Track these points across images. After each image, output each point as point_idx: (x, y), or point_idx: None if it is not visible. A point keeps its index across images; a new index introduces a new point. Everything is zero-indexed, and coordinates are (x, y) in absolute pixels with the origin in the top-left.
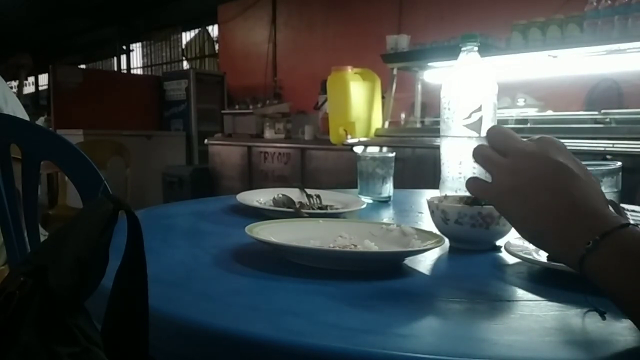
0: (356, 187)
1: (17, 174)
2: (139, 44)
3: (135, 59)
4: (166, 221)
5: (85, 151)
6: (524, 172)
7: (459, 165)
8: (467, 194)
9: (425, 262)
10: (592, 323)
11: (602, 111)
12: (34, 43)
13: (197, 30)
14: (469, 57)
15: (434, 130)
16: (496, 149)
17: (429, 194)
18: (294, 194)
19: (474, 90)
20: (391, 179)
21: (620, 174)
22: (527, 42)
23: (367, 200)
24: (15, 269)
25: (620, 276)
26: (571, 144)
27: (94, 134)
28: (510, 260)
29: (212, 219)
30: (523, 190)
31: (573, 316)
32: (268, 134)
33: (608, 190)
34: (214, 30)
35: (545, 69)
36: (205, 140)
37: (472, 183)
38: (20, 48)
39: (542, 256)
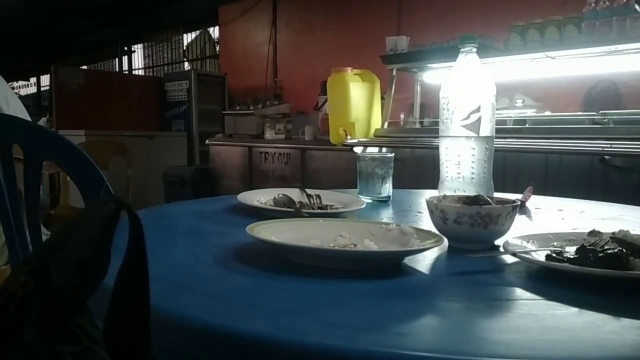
0: (356, 187)
1: (19, 174)
2: (140, 45)
3: (137, 60)
4: (167, 221)
5: (87, 151)
6: None
7: (457, 166)
8: (466, 193)
9: (424, 262)
10: (590, 322)
11: (600, 112)
12: (37, 44)
13: (198, 32)
14: (468, 58)
15: (433, 130)
16: None
17: (428, 193)
18: (294, 194)
19: (473, 91)
20: (390, 179)
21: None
22: (525, 43)
23: (366, 200)
24: (17, 269)
25: None
26: (569, 144)
27: (96, 135)
28: (509, 259)
29: (213, 218)
30: None
31: (571, 315)
32: (268, 134)
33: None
34: (215, 31)
35: (544, 69)
36: (207, 141)
37: None
38: (23, 49)
39: (541, 256)
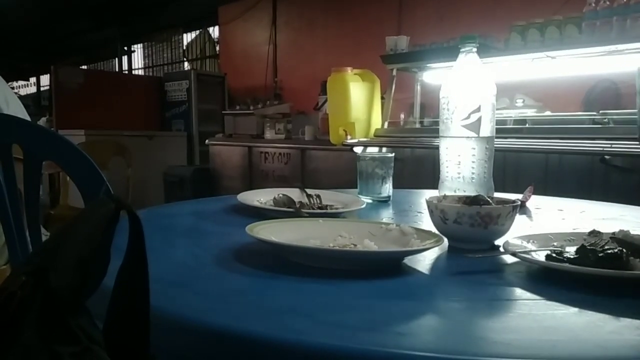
0: (356, 187)
1: (19, 174)
2: (140, 45)
3: (137, 60)
4: (167, 221)
5: (86, 151)
6: None
7: (457, 166)
8: (466, 193)
9: (424, 262)
10: (590, 322)
11: (601, 112)
12: (36, 44)
13: (198, 32)
14: (468, 58)
15: (433, 130)
16: None
17: (428, 193)
18: (294, 194)
19: (473, 91)
20: (390, 179)
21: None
22: (525, 43)
23: (366, 200)
24: (16, 269)
25: None
26: (569, 144)
27: (96, 135)
28: (509, 259)
29: (213, 218)
30: None
31: (571, 315)
32: (268, 134)
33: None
34: (214, 31)
35: (544, 69)
36: (206, 141)
37: None
38: (22, 49)
39: (541, 256)
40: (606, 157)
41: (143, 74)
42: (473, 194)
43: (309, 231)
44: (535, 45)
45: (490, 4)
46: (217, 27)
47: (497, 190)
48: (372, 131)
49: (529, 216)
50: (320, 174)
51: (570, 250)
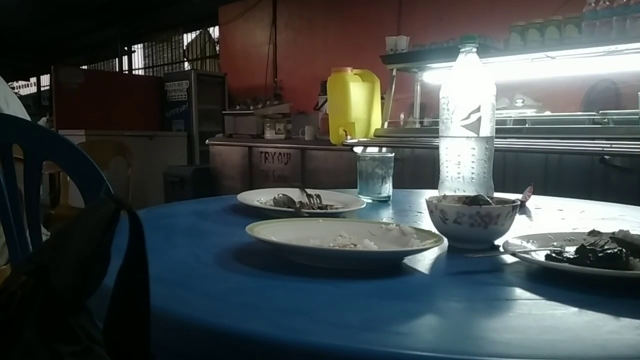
0: (356, 187)
1: (20, 174)
2: (140, 45)
3: (137, 60)
4: (168, 221)
5: (87, 151)
6: None
7: (457, 166)
8: (466, 193)
9: (424, 261)
10: (590, 322)
11: (600, 112)
12: (36, 44)
13: (198, 32)
14: (468, 58)
15: (433, 130)
16: None
17: (428, 193)
18: (294, 193)
19: (473, 91)
20: (390, 179)
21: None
22: (525, 43)
23: (366, 200)
24: (17, 269)
25: None
26: (569, 144)
27: (96, 135)
28: (509, 259)
29: (213, 218)
30: None
31: (571, 315)
32: (268, 134)
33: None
34: (215, 31)
35: (544, 69)
36: (207, 141)
37: None
38: (23, 49)
39: (540, 255)
40: (606, 157)
41: (143, 74)
42: (473, 194)
43: (309, 231)
44: (535, 46)
45: (489, 4)
46: (217, 27)
47: (497, 190)
48: (372, 131)
49: (529, 216)
50: (320, 174)
51: (570, 250)
